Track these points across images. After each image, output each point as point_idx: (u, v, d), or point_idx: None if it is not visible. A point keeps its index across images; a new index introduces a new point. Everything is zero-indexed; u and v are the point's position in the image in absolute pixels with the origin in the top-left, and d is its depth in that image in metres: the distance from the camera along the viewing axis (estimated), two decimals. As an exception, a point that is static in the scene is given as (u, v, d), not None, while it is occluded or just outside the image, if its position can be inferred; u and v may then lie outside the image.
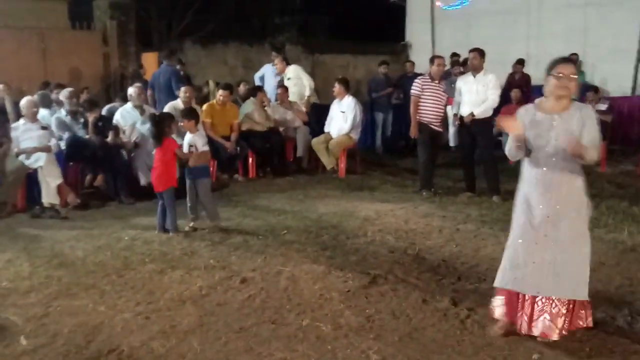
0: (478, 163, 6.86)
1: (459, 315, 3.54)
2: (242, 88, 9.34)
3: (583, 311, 3.22)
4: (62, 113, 6.88)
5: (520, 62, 10.45)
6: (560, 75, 3.06)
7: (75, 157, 6.69)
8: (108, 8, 11.44)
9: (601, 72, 10.52)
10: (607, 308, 3.57)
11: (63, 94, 6.95)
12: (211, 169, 6.92)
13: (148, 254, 4.70)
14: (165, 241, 5.06)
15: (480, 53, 6.71)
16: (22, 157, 6.24)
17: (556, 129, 3.11)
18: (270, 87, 9.20)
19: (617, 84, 10.50)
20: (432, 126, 6.84)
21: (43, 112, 7.09)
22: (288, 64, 9.22)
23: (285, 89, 8.86)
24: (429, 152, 6.91)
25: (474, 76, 6.63)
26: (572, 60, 3.29)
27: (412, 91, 6.92)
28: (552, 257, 3.11)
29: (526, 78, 10.33)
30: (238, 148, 7.84)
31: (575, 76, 3.10)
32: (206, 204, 5.46)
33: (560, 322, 3.12)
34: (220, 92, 7.88)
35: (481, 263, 4.50)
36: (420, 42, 13.80)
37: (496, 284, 3.27)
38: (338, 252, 4.76)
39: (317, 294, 3.87)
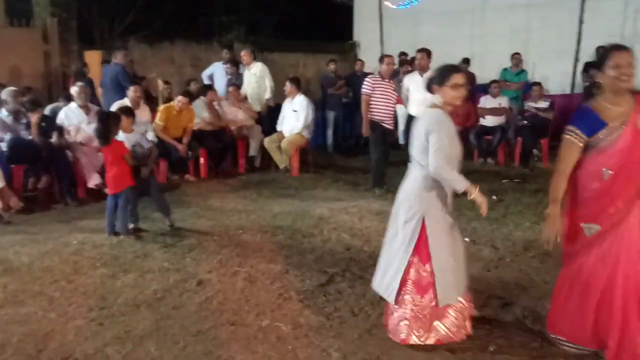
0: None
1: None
2: (192, 87, 9.17)
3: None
4: (4, 113, 6.58)
5: (466, 62, 10.71)
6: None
7: (18, 159, 6.39)
8: (48, 5, 11.00)
9: (542, 71, 10.90)
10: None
11: (6, 93, 6.63)
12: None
13: (98, 258, 4.56)
14: (116, 244, 4.92)
15: (427, 53, 6.87)
16: (-41, 160, 5.93)
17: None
18: (220, 86, 9.07)
19: (558, 83, 10.90)
20: (384, 124, 6.93)
21: (-19, 113, 6.76)
22: (255, 59, 9.13)
23: (237, 87, 8.77)
24: (381, 150, 6.99)
25: (422, 75, 6.76)
26: (461, 69, 3.29)
27: (362, 90, 6.99)
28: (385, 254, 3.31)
29: (471, 77, 10.60)
30: (189, 152, 7.71)
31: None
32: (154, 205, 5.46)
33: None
34: (180, 98, 7.66)
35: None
36: (369, 41, 13.91)
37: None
38: (294, 251, 4.76)
39: (276, 293, 3.87)
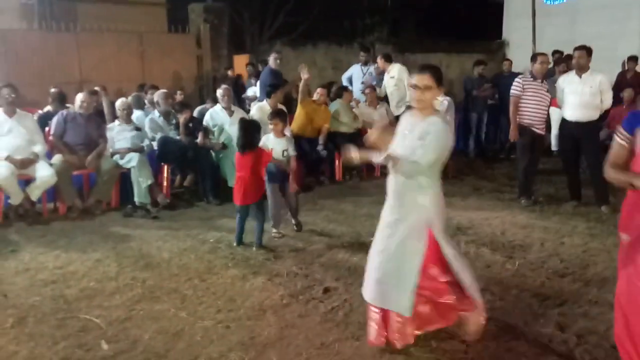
0: (584, 169, 6.29)
1: (568, 342, 3.14)
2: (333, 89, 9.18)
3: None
4: (156, 114, 7.02)
5: (634, 59, 9.55)
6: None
7: (166, 157, 6.79)
8: (202, 12, 11.71)
9: None
10: None
11: (159, 95, 7.09)
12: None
13: (231, 258, 4.62)
14: (248, 245, 4.96)
15: (587, 51, 6.12)
16: (116, 157, 6.41)
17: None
18: (357, 87, 8.96)
19: None
20: (534, 129, 6.30)
21: (137, 113, 7.29)
22: (391, 62, 8.90)
23: (374, 89, 8.58)
24: (530, 156, 6.38)
25: (580, 76, 6.07)
26: (423, 68, 2.98)
27: (512, 91, 6.41)
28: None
29: (639, 77, 9.42)
30: (325, 151, 7.67)
31: (423, 86, 2.92)
32: (286, 206, 5.37)
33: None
34: (319, 90, 7.75)
35: (591, 283, 4.02)
36: (519, 39, 13.04)
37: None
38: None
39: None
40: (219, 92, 7.29)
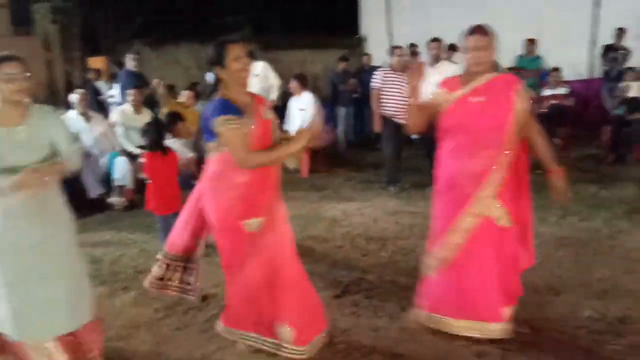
0: None
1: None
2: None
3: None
4: None
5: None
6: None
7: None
8: (49, 12, 10.84)
9: (556, 57, 10.49)
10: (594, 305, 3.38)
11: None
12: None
13: (97, 275, 4.28)
14: (116, 259, 4.64)
15: (439, 43, 6.54)
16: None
17: None
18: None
19: (573, 68, 10.48)
20: (396, 119, 6.58)
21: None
22: (256, 59, 8.78)
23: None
24: (394, 145, 6.66)
25: (433, 66, 6.44)
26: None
27: (372, 84, 6.65)
28: None
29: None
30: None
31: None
32: None
33: None
34: (186, 92, 7.46)
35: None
36: (376, 34, 13.57)
37: None
38: (306, 259, 4.34)
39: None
40: (75, 97, 6.77)
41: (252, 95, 2.89)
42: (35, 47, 10.66)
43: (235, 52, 2.74)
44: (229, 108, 2.67)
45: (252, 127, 2.68)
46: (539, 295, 3.56)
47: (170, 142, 4.89)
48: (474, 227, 2.94)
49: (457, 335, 3.05)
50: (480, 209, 2.93)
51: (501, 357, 2.88)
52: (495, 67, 3.06)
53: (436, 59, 6.44)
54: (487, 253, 2.95)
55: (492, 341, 3.00)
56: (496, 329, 2.98)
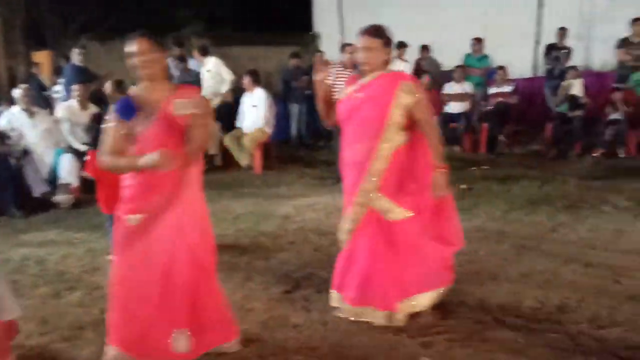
0: None
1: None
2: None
3: None
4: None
5: (425, 49, 10.53)
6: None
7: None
8: (-11, 4, 10.42)
9: (502, 56, 10.80)
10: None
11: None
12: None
13: (42, 275, 4.16)
14: (62, 259, 4.51)
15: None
16: None
17: None
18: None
19: (518, 67, 10.81)
20: (347, 116, 6.64)
21: None
22: (207, 54, 8.67)
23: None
24: (346, 142, 6.71)
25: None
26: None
27: (324, 81, 6.68)
28: None
29: (435, 64, 10.42)
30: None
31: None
32: None
33: None
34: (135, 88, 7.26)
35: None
36: (329, 31, 13.63)
37: None
38: (258, 255, 4.45)
39: (238, 304, 3.54)
40: (18, 93, 6.56)
41: (176, 88, 2.80)
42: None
43: (128, 48, 2.65)
44: (122, 107, 2.67)
45: (140, 128, 2.63)
46: (482, 286, 3.67)
47: None
48: (361, 216, 3.14)
49: (405, 327, 3.13)
50: (364, 200, 3.11)
51: (446, 348, 2.96)
52: (385, 65, 3.19)
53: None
54: (372, 244, 3.14)
55: (438, 332, 3.08)
56: (384, 316, 3.15)
